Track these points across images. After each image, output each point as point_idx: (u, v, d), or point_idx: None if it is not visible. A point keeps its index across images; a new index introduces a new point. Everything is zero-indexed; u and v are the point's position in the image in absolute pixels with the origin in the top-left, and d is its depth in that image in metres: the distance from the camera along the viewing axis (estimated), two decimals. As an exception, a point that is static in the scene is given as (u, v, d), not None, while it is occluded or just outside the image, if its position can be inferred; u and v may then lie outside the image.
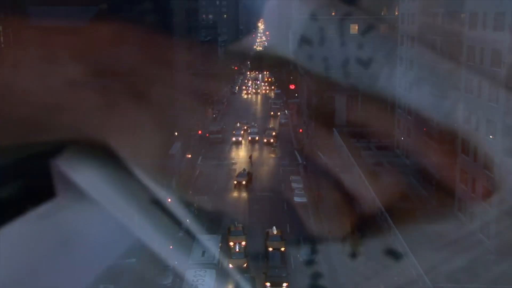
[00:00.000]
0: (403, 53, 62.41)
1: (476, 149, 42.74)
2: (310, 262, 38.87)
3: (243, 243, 41.01)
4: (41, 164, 3.06)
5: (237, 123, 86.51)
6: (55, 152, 3.15)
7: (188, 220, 41.00)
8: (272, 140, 76.16)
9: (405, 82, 61.42)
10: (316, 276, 37.02)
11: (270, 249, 39.98)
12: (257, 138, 78.40)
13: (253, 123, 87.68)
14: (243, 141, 78.15)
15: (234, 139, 77.65)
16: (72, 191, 3.11)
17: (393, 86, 64.78)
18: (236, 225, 44.25)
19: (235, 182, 55.89)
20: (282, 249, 40.10)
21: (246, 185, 55.06)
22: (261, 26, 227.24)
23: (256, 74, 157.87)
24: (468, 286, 34.30)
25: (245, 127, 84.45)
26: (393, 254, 38.23)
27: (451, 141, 46.76)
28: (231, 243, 40.88)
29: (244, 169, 58.85)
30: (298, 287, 36.65)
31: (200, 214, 47.28)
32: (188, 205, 47.21)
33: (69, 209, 3.10)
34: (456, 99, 46.50)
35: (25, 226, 2.99)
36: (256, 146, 76.28)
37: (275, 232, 41.90)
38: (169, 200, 45.52)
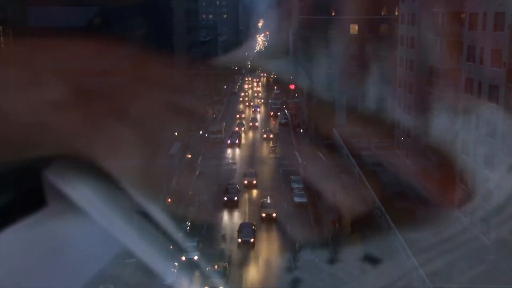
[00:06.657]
0: (402, 53, 62.35)
1: (476, 149, 42.67)
2: (310, 262, 38.85)
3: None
4: (32, 175, 3.04)
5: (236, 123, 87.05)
6: (51, 163, 3.14)
7: (186, 224, 41.07)
8: (271, 136, 76.30)
9: (405, 82, 61.38)
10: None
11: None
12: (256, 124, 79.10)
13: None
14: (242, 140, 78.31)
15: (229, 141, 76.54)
16: (62, 201, 3.08)
17: (393, 86, 64.73)
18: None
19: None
20: None
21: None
22: (261, 26, 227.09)
23: (256, 74, 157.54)
24: (468, 287, 34.27)
25: (243, 129, 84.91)
26: (393, 255, 38.23)
27: (451, 141, 46.68)
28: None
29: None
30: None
31: (199, 217, 47.17)
32: (187, 206, 47.19)
33: (59, 219, 3.07)
34: (455, 98, 46.44)
35: (15, 235, 2.96)
36: (256, 145, 76.31)
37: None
38: (169, 200, 45.58)
